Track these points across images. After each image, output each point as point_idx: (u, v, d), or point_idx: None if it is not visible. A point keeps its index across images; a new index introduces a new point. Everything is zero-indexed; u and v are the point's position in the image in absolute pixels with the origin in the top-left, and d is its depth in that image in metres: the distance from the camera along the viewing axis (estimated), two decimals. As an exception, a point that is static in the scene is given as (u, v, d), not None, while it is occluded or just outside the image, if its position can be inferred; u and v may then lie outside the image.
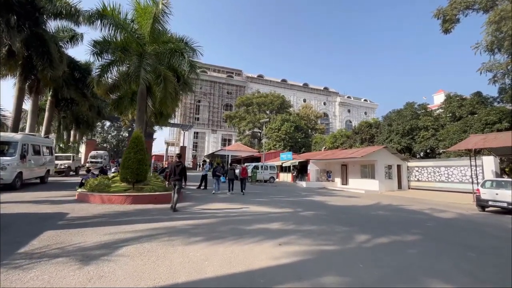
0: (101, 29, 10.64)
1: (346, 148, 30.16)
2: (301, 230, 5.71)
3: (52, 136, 27.19)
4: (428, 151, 23.62)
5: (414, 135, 23.06)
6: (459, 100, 22.52)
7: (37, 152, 12.14)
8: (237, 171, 15.59)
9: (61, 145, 28.72)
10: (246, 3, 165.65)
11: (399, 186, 20.78)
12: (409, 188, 20.99)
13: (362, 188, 19.74)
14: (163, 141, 79.23)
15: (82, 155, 37.60)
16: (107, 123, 59.02)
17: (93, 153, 31.25)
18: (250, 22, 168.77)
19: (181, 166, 7.70)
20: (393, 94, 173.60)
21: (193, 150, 66.66)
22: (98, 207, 7.25)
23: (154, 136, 73.53)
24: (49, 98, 24.24)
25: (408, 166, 21.28)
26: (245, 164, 27.92)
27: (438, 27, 19.41)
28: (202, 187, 14.46)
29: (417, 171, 20.58)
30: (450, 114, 23.38)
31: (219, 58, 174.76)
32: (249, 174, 22.85)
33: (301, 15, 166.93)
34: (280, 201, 11.13)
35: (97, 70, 10.70)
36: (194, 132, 67.80)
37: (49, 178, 14.41)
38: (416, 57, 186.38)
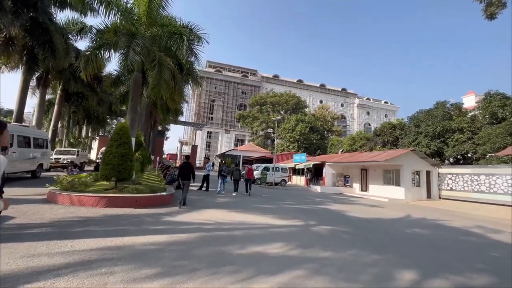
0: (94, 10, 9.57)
1: (365, 151, 27.72)
2: (312, 259, 3.98)
3: (59, 131, 26.99)
4: (459, 156, 20.87)
5: (446, 138, 20.37)
6: (501, 99, 19.59)
7: (26, 144, 11.22)
8: (243, 172, 14.09)
9: (71, 140, 28.56)
10: (265, 4, 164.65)
11: (428, 195, 18.26)
12: (439, 198, 18.42)
13: (384, 196, 17.47)
14: (178, 140, 79.59)
15: (94, 151, 37.65)
16: (123, 120, 59.64)
17: (103, 149, 30.89)
18: (268, 24, 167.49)
19: (189, 166, 8.40)
20: (415, 97, 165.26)
21: (206, 149, 66.04)
22: (61, 210, 5.89)
23: (167, 135, 73.77)
24: (58, 92, 23.99)
25: (439, 173, 18.70)
26: (256, 165, 26.29)
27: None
28: (203, 189, 13.05)
29: (450, 178, 17.97)
30: (489, 116, 20.48)
31: (235, 58, 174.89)
32: (258, 176, 21.20)
33: (318, 20, 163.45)
34: (289, 209, 9.37)
35: (86, 53, 9.51)
36: (208, 132, 67.22)
37: (47, 173, 13.59)
38: (440, 59, 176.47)
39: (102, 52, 9.53)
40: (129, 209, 6.58)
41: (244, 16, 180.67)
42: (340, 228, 6.55)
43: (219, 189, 12.41)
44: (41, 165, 12.71)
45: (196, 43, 12.09)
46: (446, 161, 22.78)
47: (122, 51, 8.84)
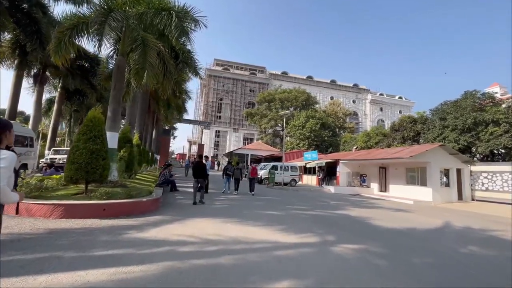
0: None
1: (382, 148, 25.49)
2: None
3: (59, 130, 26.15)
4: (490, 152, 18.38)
5: (478, 131, 17.98)
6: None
7: (3, 142, 10.05)
8: (246, 172, 12.58)
9: (72, 140, 27.97)
10: (276, 3, 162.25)
11: (459, 197, 16.07)
12: (472, 200, 16.17)
13: (408, 198, 15.45)
14: (186, 140, 79.05)
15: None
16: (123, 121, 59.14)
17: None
18: (276, 21, 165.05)
19: (201, 165, 8.54)
20: (431, 91, 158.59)
21: (214, 148, 64.95)
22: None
23: (175, 134, 73.08)
24: (58, 90, 23.19)
25: (471, 171, 16.43)
26: (264, 163, 24.61)
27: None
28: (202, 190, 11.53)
29: (485, 177, 15.68)
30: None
31: (243, 56, 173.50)
32: (266, 176, 19.54)
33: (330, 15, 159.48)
34: (300, 217, 7.67)
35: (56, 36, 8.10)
36: (216, 131, 66.13)
37: (39, 174, 12.49)
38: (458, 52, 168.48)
39: (79, 32, 8.10)
40: (91, 221, 5.08)
41: (257, 15, 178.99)
42: (371, 248, 4.80)
43: (224, 189, 12.28)
44: (24, 165, 11.56)
45: (192, 26, 10.63)
46: (476, 157, 20.35)
47: (96, 28, 7.36)
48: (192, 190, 8.51)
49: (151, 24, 8.83)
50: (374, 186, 19.69)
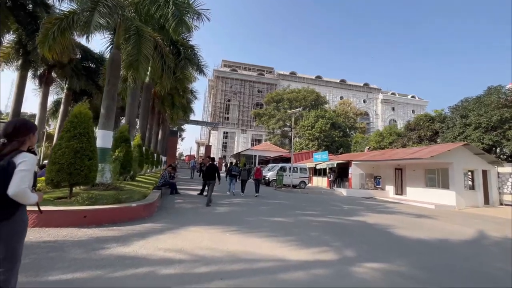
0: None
1: (397, 148, 24.12)
2: None
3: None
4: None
5: (505, 129, 16.51)
6: None
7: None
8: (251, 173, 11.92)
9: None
10: (285, 3, 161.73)
11: (486, 201, 14.69)
12: (501, 204, 14.77)
13: (428, 202, 14.23)
14: (194, 141, 79.11)
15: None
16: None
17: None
18: (284, 22, 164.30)
19: (214, 167, 9.00)
20: (445, 90, 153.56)
21: (222, 150, 64.52)
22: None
23: (183, 136, 73.17)
24: (65, 91, 23.13)
25: (498, 173, 15.03)
26: (271, 165, 23.72)
27: None
28: (205, 193, 10.75)
29: (515, 180, 14.27)
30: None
31: (251, 57, 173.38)
32: (274, 177, 18.66)
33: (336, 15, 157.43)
34: (310, 225, 6.77)
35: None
36: (224, 132, 65.71)
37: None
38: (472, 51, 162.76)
39: (69, 23, 7.50)
40: (68, 230, 4.38)
41: (265, 16, 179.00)
42: (401, 268, 3.87)
43: (230, 190, 12.19)
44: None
45: (195, 19, 9.98)
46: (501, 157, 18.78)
47: (85, 16, 6.72)
48: (195, 193, 7.97)
49: (147, 14, 8.18)
50: (389, 188, 18.46)
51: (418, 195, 15.75)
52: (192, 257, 3.65)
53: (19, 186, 1.67)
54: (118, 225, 5.04)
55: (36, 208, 2.09)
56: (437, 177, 15.06)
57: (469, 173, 14.68)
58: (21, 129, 1.85)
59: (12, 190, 1.65)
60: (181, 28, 8.30)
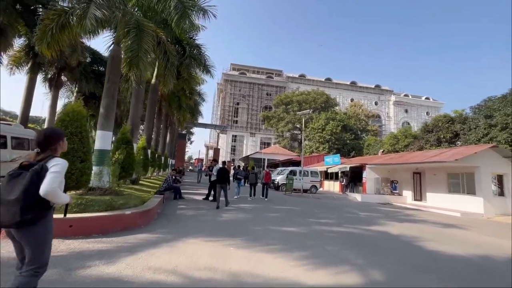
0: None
1: (413, 151, 22.85)
2: None
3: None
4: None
5: (536, 130, 15.18)
6: None
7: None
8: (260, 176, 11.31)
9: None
10: (292, 3, 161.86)
11: (517, 208, 13.36)
12: (534, 212, 13.39)
13: (451, 209, 13.11)
14: (203, 144, 79.29)
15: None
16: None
17: None
18: (293, 25, 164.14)
19: (226, 171, 8.90)
20: (462, 91, 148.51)
21: (231, 153, 64.16)
22: None
23: (192, 139, 73.43)
24: (74, 94, 23.29)
25: (530, 177, 13.71)
26: (281, 168, 22.94)
27: None
28: (210, 198, 10.14)
29: (551, 185, 12.94)
30: None
31: (260, 60, 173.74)
32: (283, 182, 17.89)
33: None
34: (326, 236, 6.00)
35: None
36: (232, 135, 65.45)
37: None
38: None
39: (69, 19, 7.12)
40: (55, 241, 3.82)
41: (273, 18, 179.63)
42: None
43: (236, 194, 11.94)
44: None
45: (200, 16, 9.53)
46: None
47: (81, 8, 6.29)
48: (200, 198, 7.46)
49: (149, 8, 7.73)
50: (407, 194, 17.32)
51: (440, 201, 14.60)
52: (186, 280, 3.00)
53: (51, 185, 1.74)
54: (109, 235, 4.47)
55: None
56: (461, 182, 13.90)
57: (495, 177, 13.44)
58: (52, 137, 2.00)
59: (44, 189, 1.72)
60: (184, 22, 7.80)
